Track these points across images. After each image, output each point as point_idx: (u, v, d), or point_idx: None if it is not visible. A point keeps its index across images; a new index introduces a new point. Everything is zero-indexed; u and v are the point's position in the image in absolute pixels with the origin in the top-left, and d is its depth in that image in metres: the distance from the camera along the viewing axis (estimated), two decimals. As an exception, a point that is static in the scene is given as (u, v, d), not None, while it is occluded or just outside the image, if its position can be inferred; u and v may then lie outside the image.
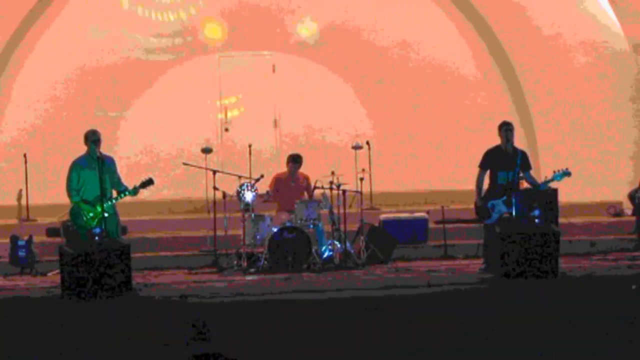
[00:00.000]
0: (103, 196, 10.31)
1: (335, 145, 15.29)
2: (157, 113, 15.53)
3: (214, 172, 12.41)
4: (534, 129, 15.54)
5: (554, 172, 11.12)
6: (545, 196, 11.91)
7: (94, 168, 10.49)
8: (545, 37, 15.41)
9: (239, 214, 12.04)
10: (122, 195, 10.67)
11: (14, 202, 12.75)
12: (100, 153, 10.59)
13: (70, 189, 10.62)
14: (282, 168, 12.94)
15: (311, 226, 12.03)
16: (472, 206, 11.44)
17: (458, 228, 13.21)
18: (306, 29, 15.82)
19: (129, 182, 10.77)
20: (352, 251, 12.10)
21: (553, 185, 11.58)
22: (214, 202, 12.20)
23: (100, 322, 8.59)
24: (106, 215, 10.34)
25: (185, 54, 15.78)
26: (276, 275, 11.32)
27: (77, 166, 10.65)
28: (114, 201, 10.62)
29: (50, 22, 15.36)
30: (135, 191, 10.66)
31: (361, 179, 12.84)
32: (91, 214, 10.47)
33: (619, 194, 14.19)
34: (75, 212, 10.58)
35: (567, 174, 11.09)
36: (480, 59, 15.92)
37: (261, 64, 15.81)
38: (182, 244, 13.16)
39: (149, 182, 10.72)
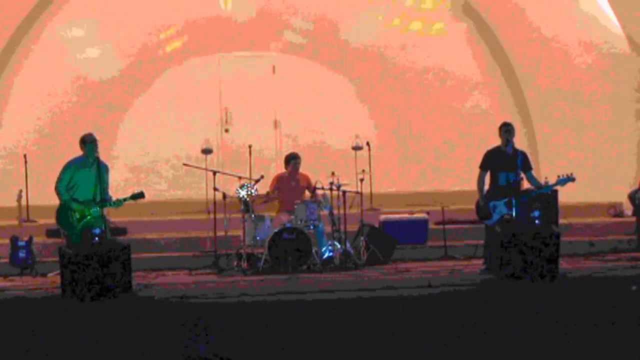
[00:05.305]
0: (102, 195, 10.33)
1: (336, 146, 15.29)
2: (157, 114, 15.52)
3: (214, 172, 12.42)
4: (534, 129, 15.55)
5: (558, 176, 11.11)
6: (545, 197, 11.91)
7: (89, 170, 10.50)
8: (545, 38, 15.41)
9: (239, 215, 12.04)
10: (109, 204, 10.62)
11: (14, 203, 12.75)
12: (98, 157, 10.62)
13: (60, 187, 10.63)
14: (283, 169, 12.94)
15: (311, 227, 12.03)
16: (472, 207, 11.46)
17: (458, 229, 13.21)
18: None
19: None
20: (352, 252, 12.11)
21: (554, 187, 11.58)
22: (214, 203, 12.20)
23: (100, 323, 8.59)
24: (95, 216, 10.36)
25: (185, 54, 15.78)
26: (276, 276, 11.33)
27: (73, 166, 10.67)
28: (98, 207, 10.57)
29: (50, 23, 15.37)
30: (120, 203, 10.64)
31: (361, 180, 12.85)
32: (79, 215, 10.46)
33: (619, 195, 14.19)
34: (62, 211, 10.57)
35: (571, 179, 11.06)
36: (481, 59, 15.93)
37: (261, 64, 15.81)
38: (182, 245, 13.16)
39: (139, 195, 10.70)
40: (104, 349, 7.64)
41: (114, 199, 10.68)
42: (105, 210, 10.70)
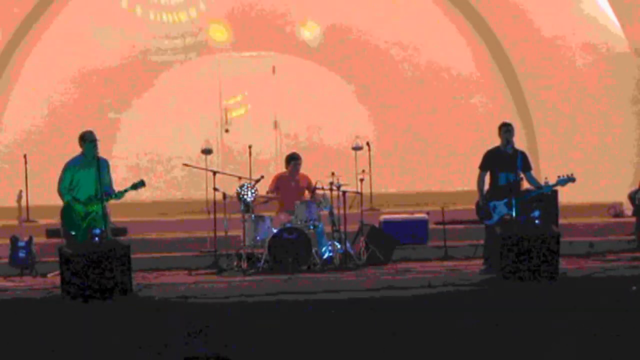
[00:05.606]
0: (101, 195, 10.33)
1: (336, 146, 15.28)
2: (157, 114, 15.51)
3: (214, 173, 12.42)
4: (535, 130, 15.53)
5: (559, 177, 11.11)
6: (545, 197, 11.91)
7: (88, 169, 10.49)
8: (545, 38, 15.40)
9: (239, 215, 12.04)
10: (111, 197, 10.61)
11: (14, 203, 12.74)
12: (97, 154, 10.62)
13: (62, 188, 10.63)
14: (282, 169, 12.94)
15: (311, 227, 12.03)
16: (472, 207, 11.46)
17: (458, 229, 13.20)
18: (309, 32, 15.80)
19: (127, 182, 10.76)
20: (352, 252, 12.11)
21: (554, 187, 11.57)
22: (214, 203, 12.19)
23: (100, 323, 8.59)
24: (100, 213, 10.36)
25: (185, 55, 15.77)
26: (276, 276, 11.33)
27: (72, 167, 10.66)
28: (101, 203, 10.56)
29: (50, 23, 15.35)
30: (121, 194, 10.62)
31: (361, 180, 12.84)
32: (83, 214, 10.46)
33: (619, 195, 14.18)
34: (66, 211, 10.57)
35: (571, 180, 11.07)
36: (481, 60, 15.91)
37: (261, 65, 15.80)
38: (182, 245, 13.15)
39: (140, 184, 10.68)
40: (104, 349, 7.64)
41: (116, 191, 10.66)
42: (107, 211, 10.69)
